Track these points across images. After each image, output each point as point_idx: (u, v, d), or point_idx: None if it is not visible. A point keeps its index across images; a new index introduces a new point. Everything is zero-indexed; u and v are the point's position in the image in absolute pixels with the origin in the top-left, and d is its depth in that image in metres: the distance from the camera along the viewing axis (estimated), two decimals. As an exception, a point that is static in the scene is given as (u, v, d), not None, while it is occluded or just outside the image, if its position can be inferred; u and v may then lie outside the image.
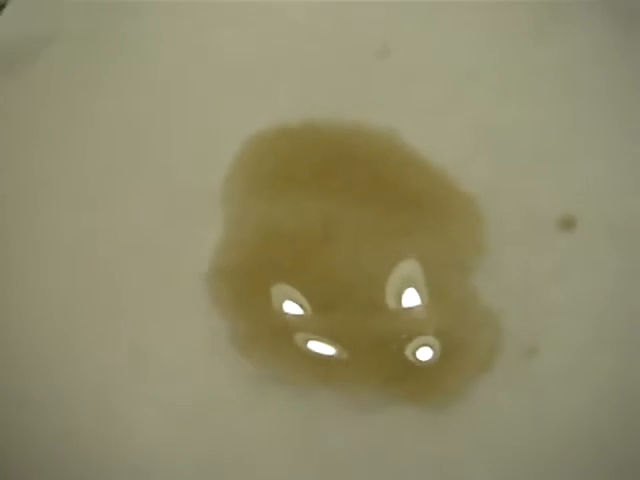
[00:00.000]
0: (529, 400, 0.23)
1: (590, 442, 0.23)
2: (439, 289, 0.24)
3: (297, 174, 0.26)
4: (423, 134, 0.26)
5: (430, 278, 0.24)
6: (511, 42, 0.27)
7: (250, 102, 0.26)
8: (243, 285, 0.24)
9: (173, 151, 0.26)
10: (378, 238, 0.25)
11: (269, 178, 0.26)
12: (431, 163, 0.26)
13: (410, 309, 0.24)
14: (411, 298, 0.24)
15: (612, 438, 0.23)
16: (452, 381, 0.23)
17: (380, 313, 0.24)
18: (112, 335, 0.24)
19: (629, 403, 0.23)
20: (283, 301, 0.24)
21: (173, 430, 0.23)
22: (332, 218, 0.25)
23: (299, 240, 0.25)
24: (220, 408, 0.23)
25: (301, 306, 0.24)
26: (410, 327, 0.24)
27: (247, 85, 0.27)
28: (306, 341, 0.24)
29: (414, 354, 0.24)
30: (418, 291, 0.24)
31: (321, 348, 0.24)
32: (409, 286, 0.24)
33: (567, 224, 0.25)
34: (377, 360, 0.24)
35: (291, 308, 0.24)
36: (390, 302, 0.24)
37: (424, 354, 0.24)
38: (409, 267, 0.24)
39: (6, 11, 0.30)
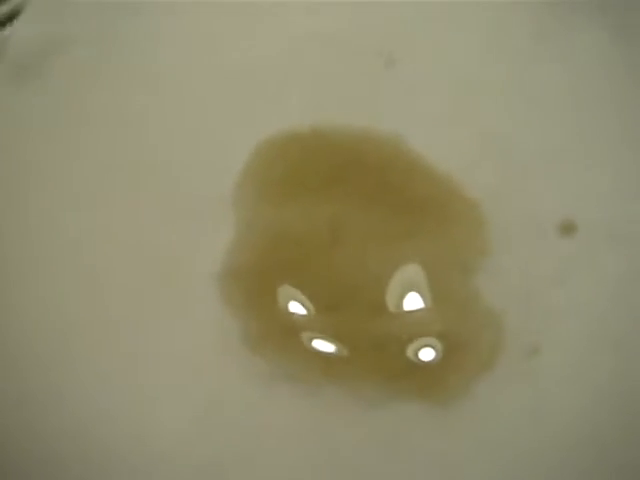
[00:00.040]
0: (530, 399, 0.23)
1: (590, 441, 0.23)
2: (442, 290, 0.25)
3: (306, 179, 0.26)
4: (428, 141, 0.26)
5: (434, 280, 0.25)
6: (515, 52, 0.28)
7: (261, 109, 0.27)
8: (254, 286, 0.25)
9: (186, 157, 0.26)
10: (384, 241, 0.25)
11: (279, 183, 0.26)
12: (436, 169, 0.26)
13: (413, 310, 0.24)
14: (414, 300, 0.25)
15: (612, 437, 0.23)
16: (455, 379, 0.23)
17: (384, 314, 0.24)
18: (126, 335, 0.24)
19: (629, 403, 0.23)
20: (291, 301, 0.25)
21: (186, 427, 0.23)
22: (339, 222, 0.26)
23: (307, 243, 0.26)
24: (232, 405, 0.23)
25: (307, 306, 0.25)
26: (413, 328, 0.24)
27: (258, 92, 0.27)
28: (311, 340, 0.24)
29: (417, 354, 0.24)
30: (422, 293, 0.25)
31: (325, 347, 0.24)
32: (413, 288, 0.25)
33: (567, 229, 0.25)
34: (380, 360, 0.24)
35: (298, 308, 0.25)
36: (394, 303, 0.25)
37: (427, 354, 0.24)
38: (413, 269, 0.25)
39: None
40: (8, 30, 0.32)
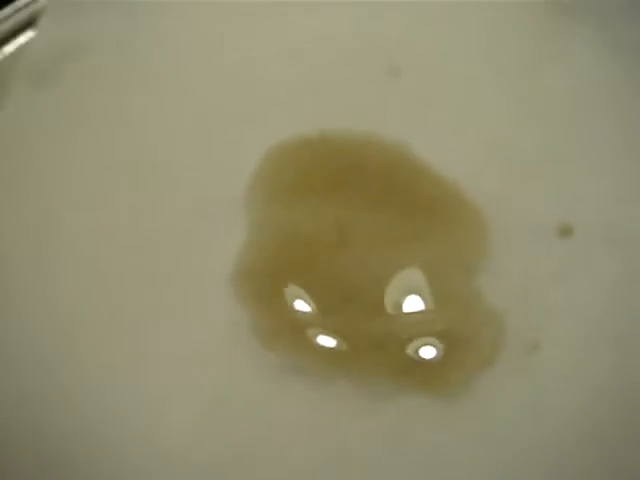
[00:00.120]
0: (529, 394, 0.24)
1: (588, 436, 0.23)
2: (446, 290, 0.25)
3: (315, 183, 0.27)
4: (433, 147, 0.27)
5: (437, 280, 0.25)
6: (518, 63, 0.29)
7: (272, 115, 0.28)
8: (264, 285, 0.26)
9: (200, 161, 0.27)
10: (389, 243, 0.26)
11: (289, 186, 0.27)
12: (440, 174, 0.27)
13: (417, 309, 0.25)
14: (418, 299, 0.25)
15: (610, 432, 0.23)
16: (457, 375, 0.24)
17: (386, 314, 0.25)
18: (140, 333, 0.25)
19: (626, 398, 0.24)
20: (300, 299, 0.25)
21: (198, 420, 0.24)
22: (346, 224, 0.27)
23: (316, 244, 0.26)
24: (243, 398, 0.24)
25: (313, 304, 0.25)
26: (415, 327, 0.25)
27: (270, 99, 0.28)
28: (317, 336, 0.25)
29: (418, 352, 0.25)
30: (424, 293, 0.25)
31: (330, 343, 0.25)
32: (416, 288, 0.25)
33: (565, 231, 0.26)
34: (383, 356, 0.24)
35: (304, 306, 0.25)
36: (397, 304, 0.25)
37: (429, 352, 0.25)
38: (416, 271, 0.26)
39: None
40: (25, 36, 0.32)
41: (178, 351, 0.25)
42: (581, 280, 0.25)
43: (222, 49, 0.29)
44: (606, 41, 0.30)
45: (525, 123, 0.28)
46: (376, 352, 0.25)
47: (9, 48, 0.33)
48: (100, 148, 0.28)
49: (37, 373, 0.24)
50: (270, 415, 0.24)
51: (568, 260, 0.26)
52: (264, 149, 0.27)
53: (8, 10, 0.33)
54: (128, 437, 0.23)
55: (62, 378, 0.24)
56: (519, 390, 0.24)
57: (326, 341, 0.25)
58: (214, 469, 0.23)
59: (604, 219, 0.26)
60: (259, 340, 0.25)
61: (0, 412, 0.23)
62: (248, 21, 0.30)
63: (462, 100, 0.28)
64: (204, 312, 0.25)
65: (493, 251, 0.26)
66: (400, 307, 0.25)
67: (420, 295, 0.25)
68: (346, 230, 0.27)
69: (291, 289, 0.26)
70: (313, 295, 0.26)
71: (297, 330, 0.25)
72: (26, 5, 0.34)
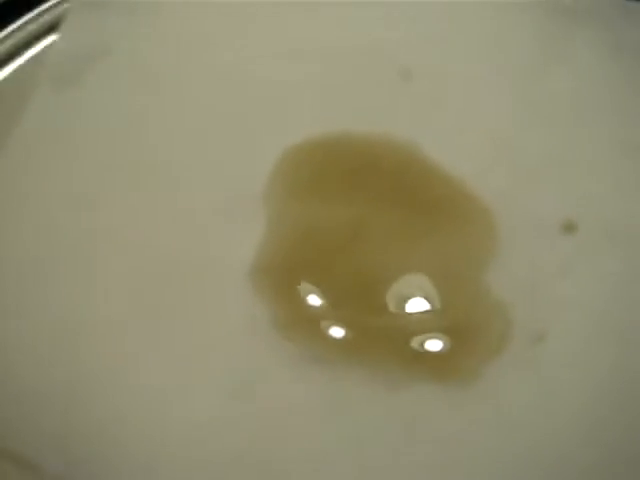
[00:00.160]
0: (535, 382, 0.25)
1: (591, 423, 0.24)
2: (456, 284, 0.26)
3: (330, 181, 0.28)
4: (443, 148, 0.28)
5: (447, 274, 0.26)
6: (523, 65, 0.30)
7: (289, 117, 0.29)
8: (282, 279, 0.26)
9: (221, 160, 0.28)
10: (401, 239, 0.27)
11: (305, 185, 0.28)
12: (448, 173, 0.28)
13: (428, 302, 0.26)
14: (429, 292, 0.26)
15: (612, 419, 0.24)
16: (466, 364, 0.25)
17: (400, 306, 0.26)
18: (164, 324, 0.25)
19: (627, 387, 0.24)
20: (315, 292, 0.26)
21: (219, 409, 0.24)
22: (360, 221, 0.27)
23: (331, 240, 0.27)
24: (263, 386, 0.25)
25: (328, 298, 0.26)
26: (428, 318, 0.26)
27: (287, 101, 0.29)
28: (332, 327, 0.26)
29: (431, 342, 0.25)
30: (436, 286, 0.26)
31: (346, 334, 0.26)
32: (428, 281, 0.26)
33: (569, 228, 0.27)
34: (398, 347, 0.25)
35: (321, 298, 0.26)
36: (410, 296, 0.26)
37: (440, 342, 0.25)
38: (428, 265, 0.27)
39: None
40: (48, 39, 0.33)
41: (200, 343, 0.25)
42: (584, 275, 0.26)
43: (246, 51, 0.30)
44: (607, 43, 0.31)
45: (530, 124, 0.29)
46: (389, 343, 0.26)
47: (32, 51, 0.33)
48: (121, 148, 0.29)
49: (61, 365, 0.25)
50: (289, 402, 0.24)
51: (572, 256, 0.27)
52: (281, 149, 0.28)
53: (31, 14, 0.34)
54: (150, 426, 0.24)
55: (84, 371, 0.25)
56: (525, 378, 0.25)
57: (341, 332, 0.26)
58: (236, 454, 0.24)
59: (607, 216, 0.27)
60: (277, 331, 0.26)
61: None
62: (268, 23, 0.31)
63: (470, 102, 0.30)
64: (224, 305, 0.26)
65: (500, 247, 0.27)
66: (411, 301, 0.26)
67: (431, 289, 0.26)
68: (360, 227, 0.27)
69: (307, 283, 0.27)
70: (328, 288, 0.26)
71: (313, 322, 0.26)
72: (48, 9, 0.35)
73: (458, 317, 0.26)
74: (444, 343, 0.26)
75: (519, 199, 0.27)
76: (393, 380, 0.25)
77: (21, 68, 0.32)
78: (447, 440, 0.24)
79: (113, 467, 0.24)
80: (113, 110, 0.30)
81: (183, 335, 0.25)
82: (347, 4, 0.31)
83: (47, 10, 0.34)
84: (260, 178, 0.28)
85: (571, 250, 0.27)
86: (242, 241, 0.27)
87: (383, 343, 0.26)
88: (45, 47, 0.33)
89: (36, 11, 0.34)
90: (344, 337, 0.26)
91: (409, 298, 0.26)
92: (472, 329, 0.26)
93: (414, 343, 0.26)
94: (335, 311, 0.26)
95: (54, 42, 0.32)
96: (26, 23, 0.33)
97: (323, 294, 0.26)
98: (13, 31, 0.33)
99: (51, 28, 0.33)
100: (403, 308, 0.26)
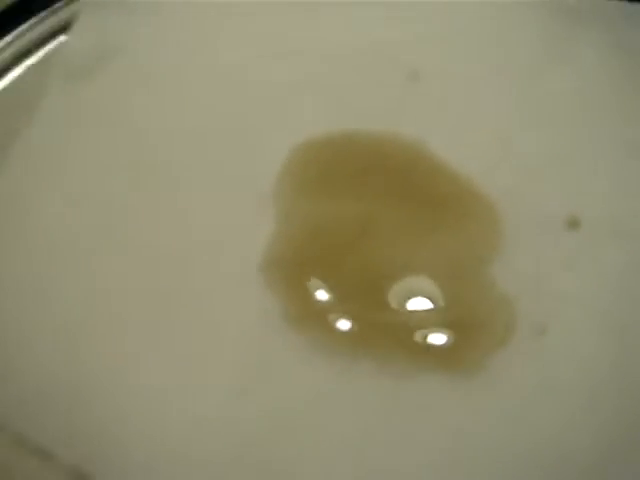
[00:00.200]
0: (538, 372, 0.25)
1: (594, 412, 0.25)
2: (462, 278, 0.27)
3: (339, 179, 0.29)
4: (447, 146, 0.29)
5: (454, 269, 0.27)
6: (528, 65, 0.31)
7: (299, 117, 0.30)
8: (292, 273, 0.27)
9: (231, 158, 0.29)
10: (408, 234, 0.28)
11: (314, 181, 0.29)
12: (455, 171, 0.29)
13: (435, 295, 0.27)
14: (436, 286, 0.27)
15: (612, 405, 0.25)
16: (472, 356, 0.26)
17: (408, 299, 0.27)
18: (177, 318, 0.26)
19: (628, 375, 0.25)
20: (325, 286, 0.27)
21: (232, 396, 0.25)
22: (368, 217, 0.28)
23: (340, 235, 0.28)
24: (275, 377, 0.25)
25: (339, 291, 0.27)
26: (434, 311, 0.26)
27: (297, 101, 0.30)
28: (341, 320, 0.26)
29: (437, 334, 0.26)
30: (443, 280, 0.27)
31: (355, 327, 0.26)
32: (434, 275, 0.27)
33: (572, 224, 0.28)
34: (405, 340, 0.26)
35: (331, 292, 0.27)
36: (417, 290, 0.27)
37: (446, 334, 0.26)
38: (435, 259, 0.27)
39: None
40: (63, 37, 0.34)
41: (213, 336, 0.26)
42: (587, 269, 0.27)
43: (255, 51, 0.31)
44: (609, 44, 0.32)
45: (535, 123, 0.30)
46: (396, 336, 0.26)
47: (45, 49, 0.34)
48: (132, 146, 0.29)
49: (71, 357, 0.26)
50: (299, 392, 0.25)
51: (575, 251, 0.27)
52: (291, 147, 0.29)
53: (45, 13, 0.35)
54: (163, 422, 0.25)
55: (93, 368, 0.25)
56: (528, 369, 0.25)
57: (349, 325, 0.26)
58: (249, 440, 0.25)
59: (610, 213, 0.28)
60: (288, 324, 0.26)
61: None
62: (280, 22, 0.31)
63: (476, 101, 0.30)
64: (237, 299, 0.27)
65: (506, 242, 0.27)
66: (417, 295, 0.27)
67: (437, 283, 0.27)
68: (367, 223, 0.28)
69: (316, 278, 0.27)
70: (337, 283, 0.27)
71: (322, 315, 0.27)
72: (60, 9, 0.35)
73: (463, 310, 0.26)
74: (449, 335, 0.26)
75: (524, 196, 0.28)
76: (399, 371, 0.25)
77: (33, 67, 0.33)
78: (452, 429, 0.25)
79: (129, 460, 0.24)
80: (125, 107, 0.30)
81: (196, 330, 0.26)
82: (356, 4, 0.32)
83: (59, 9, 0.34)
84: (269, 176, 0.29)
85: (574, 246, 0.27)
86: (253, 238, 0.28)
87: (389, 336, 0.26)
88: (57, 46, 0.33)
89: (48, 10, 0.34)
90: (351, 330, 0.26)
91: (415, 293, 0.27)
92: (477, 322, 0.26)
93: (420, 336, 0.26)
94: (343, 305, 0.27)
95: (66, 41, 0.33)
96: (38, 22, 0.34)
97: (332, 288, 0.27)
98: (25, 31, 0.34)
99: (63, 27, 0.34)
100: (409, 302, 0.27)
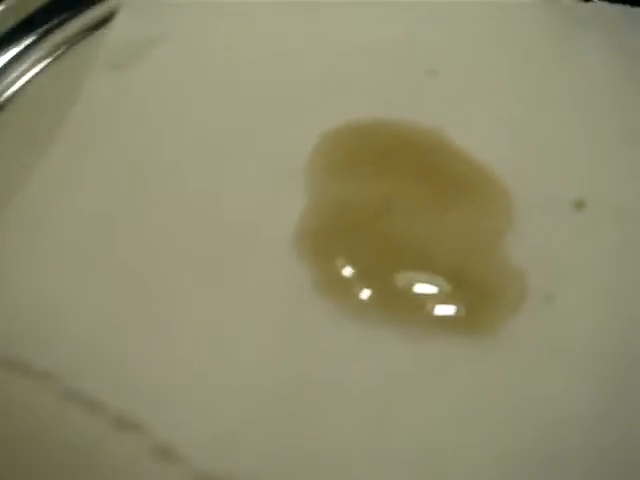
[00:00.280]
0: (547, 337, 0.27)
1: (601, 371, 0.26)
2: (478, 252, 0.29)
3: (365, 161, 0.31)
4: (465, 133, 0.31)
5: (471, 243, 0.29)
6: (537, 60, 0.34)
7: (329, 103, 0.32)
8: (322, 245, 0.29)
9: (271, 138, 0.31)
10: (428, 211, 0.30)
11: (342, 164, 0.31)
12: (471, 156, 0.31)
13: (452, 267, 0.29)
14: (454, 259, 0.29)
15: (621, 368, 0.27)
16: (487, 321, 0.28)
17: (428, 269, 0.29)
18: (212, 289, 0.28)
19: (631, 337, 0.27)
20: (352, 257, 0.29)
21: (266, 359, 0.27)
22: (391, 195, 0.30)
23: (366, 211, 0.30)
24: (307, 339, 0.27)
25: (365, 260, 0.29)
26: (451, 281, 0.28)
27: (328, 90, 0.33)
28: (368, 288, 0.28)
29: (455, 302, 0.28)
30: (460, 253, 0.29)
31: (380, 294, 0.28)
32: (453, 249, 0.29)
33: (579, 205, 0.30)
34: (425, 306, 0.28)
35: (357, 262, 0.29)
36: (436, 260, 0.29)
37: (461, 303, 0.28)
38: (454, 234, 0.30)
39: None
40: (105, 29, 0.36)
41: (249, 303, 0.28)
42: (591, 246, 0.29)
43: (295, 44, 0.34)
44: (611, 45, 0.35)
45: (544, 113, 0.33)
46: (415, 303, 0.28)
47: (88, 41, 0.36)
48: (174, 127, 0.32)
49: (121, 309, 0.27)
50: (327, 350, 0.27)
51: (581, 229, 0.30)
52: (323, 131, 0.31)
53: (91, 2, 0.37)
54: (195, 391, 0.26)
55: (144, 331, 0.27)
56: (538, 334, 0.28)
57: (374, 292, 0.28)
58: (282, 395, 0.26)
59: (613, 195, 0.30)
60: (318, 292, 0.28)
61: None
62: (312, 19, 0.34)
63: (491, 94, 0.33)
64: (270, 269, 0.29)
65: (518, 221, 0.30)
66: (438, 264, 0.29)
67: (454, 256, 0.29)
68: (390, 200, 0.30)
69: (344, 248, 0.29)
70: (362, 254, 0.29)
71: (349, 283, 0.29)
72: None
73: (480, 281, 0.29)
74: (466, 303, 0.28)
75: (534, 179, 0.31)
76: (420, 335, 0.27)
77: (76, 55, 0.35)
78: (469, 388, 0.27)
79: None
80: (167, 94, 0.33)
81: (233, 298, 0.28)
82: (379, 4, 0.35)
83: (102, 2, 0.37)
84: (302, 156, 0.31)
85: (580, 224, 0.30)
86: (286, 211, 0.30)
87: (410, 302, 0.28)
88: (100, 37, 0.36)
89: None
90: (375, 297, 0.28)
91: (435, 263, 0.29)
92: (492, 291, 0.28)
93: (439, 302, 0.28)
94: (367, 274, 0.29)
95: (110, 30, 0.35)
96: (85, 11, 0.37)
97: (357, 259, 0.29)
98: (71, 18, 0.36)
99: (109, 17, 0.36)
100: (428, 272, 0.29)
